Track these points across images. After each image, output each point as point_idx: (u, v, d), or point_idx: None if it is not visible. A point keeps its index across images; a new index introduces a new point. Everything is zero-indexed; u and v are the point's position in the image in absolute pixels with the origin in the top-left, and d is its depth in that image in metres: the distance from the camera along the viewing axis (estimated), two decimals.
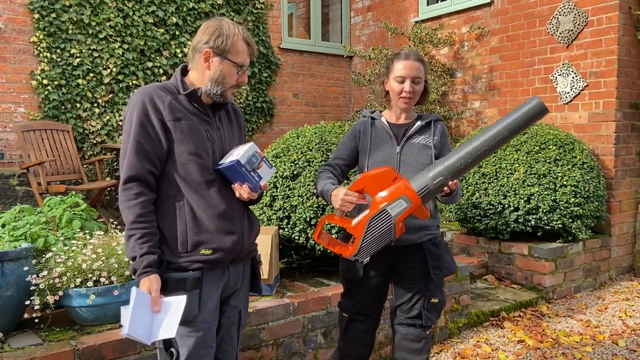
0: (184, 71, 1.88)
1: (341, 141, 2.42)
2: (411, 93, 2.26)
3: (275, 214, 3.36)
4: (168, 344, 1.76)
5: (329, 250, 3.26)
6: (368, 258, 2.06)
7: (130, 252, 1.70)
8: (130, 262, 1.72)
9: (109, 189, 5.54)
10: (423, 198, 1.95)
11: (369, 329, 2.45)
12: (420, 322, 2.29)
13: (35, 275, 2.43)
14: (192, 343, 1.76)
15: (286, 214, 3.32)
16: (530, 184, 4.38)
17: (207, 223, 1.77)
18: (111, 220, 3.82)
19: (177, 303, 1.69)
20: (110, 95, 5.75)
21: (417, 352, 2.30)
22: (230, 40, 1.78)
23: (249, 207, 1.97)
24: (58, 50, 5.46)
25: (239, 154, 1.79)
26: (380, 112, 2.43)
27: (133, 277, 1.75)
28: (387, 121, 2.36)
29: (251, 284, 2.02)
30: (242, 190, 1.80)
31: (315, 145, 3.45)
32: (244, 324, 2.01)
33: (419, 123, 2.32)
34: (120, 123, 5.80)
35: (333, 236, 2.38)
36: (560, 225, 4.37)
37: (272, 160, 3.49)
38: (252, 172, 1.80)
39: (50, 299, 2.39)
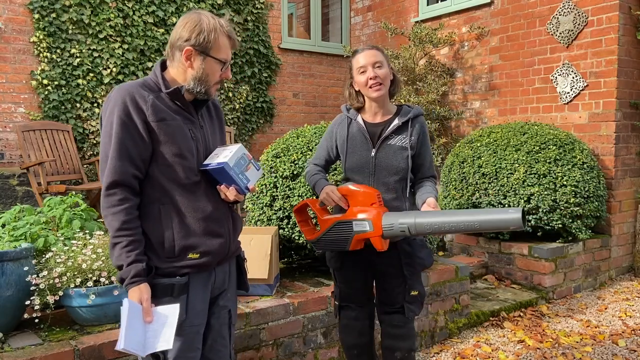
0: (164, 66, 1.80)
1: (321, 140, 2.48)
2: (377, 78, 2.22)
3: (275, 214, 3.36)
4: None
5: None
6: (321, 251, 2.23)
7: (117, 260, 1.64)
8: (117, 270, 1.66)
9: None
10: (384, 233, 2.14)
11: (360, 315, 2.49)
12: (403, 311, 2.38)
13: (35, 275, 2.43)
14: (179, 346, 1.71)
15: (286, 214, 3.32)
16: (530, 184, 4.38)
17: (195, 226, 1.72)
18: None
19: (171, 312, 1.65)
20: None
21: (402, 338, 2.38)
22: (212, 36, 1.70)
23: (233, 205, 1.91)
24: (58, 50, 5.46)
25: (227, 155, 1.74)
26: (358, 109, 2.37)
27: (121, 286, 1.70)
28: (363, 121, 2.32)
29: (238, 281, 1.98)
30: (228, 193, 1.75)
31: (315, 145, 3.45)
32: (235, 322, 1.97)
33: (395, 122, 2.28)
34: None
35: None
36: (560, 225, 4.37)
37: (272, 160, 3.50)
38: (240, 175, 1.75)
39: (50, 299, 2.39)
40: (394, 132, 2.28)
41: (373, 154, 2.26)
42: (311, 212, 2.67)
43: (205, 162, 1.78)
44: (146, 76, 1.79)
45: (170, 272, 1.70)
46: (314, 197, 2.37)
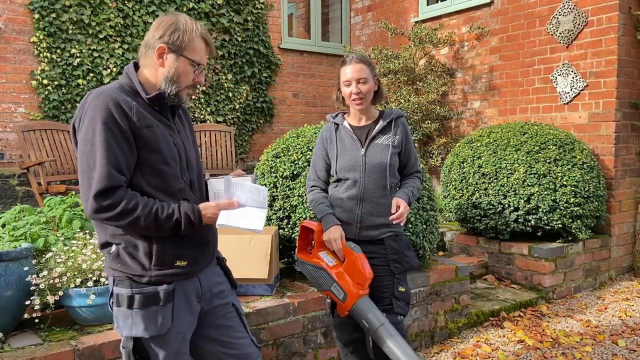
0: (136, 68, 1.75)
1: (314, 151, 2.58)
2: (360, 94, 2.38)
3: (275, 214, 3.36)
4: (136, 349, 1.68)
5: None
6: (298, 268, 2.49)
7: (166, 222, 1.60)
8: (174, 230, 1.63)
9: None
10: (349, 312, 2.32)
11: None
12: (391, 310, 2.39)
13: (35, 275, 2.43)
14: (166, 353, 1.70)
15: (286, 214, 3.32)
16: (530, 184, 4.38)
17: (187, 234, 1.69)
18: None
19: (260, 193, 1.74)
20: None
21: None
22: (187, 36, 1.67)
23: None
24: (58, 50, 5.46)
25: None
26: (343, 115, 2.55)
27: (189, 227, 1.64)
28: (349, 125, 2.49)
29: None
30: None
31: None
32: (243, 312, 1.95)
33: (381, 123, 2.44)
34: None
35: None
36: (560, 225, 4.37)
37: (272, 160, 3.50)
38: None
39: (50, 299, 2.39)
40: (380, 132, 2.44)
41: (363, 152, 2.41)
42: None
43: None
44: (118, 80, 1.73)
45: (158, 280, 1.66)
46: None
